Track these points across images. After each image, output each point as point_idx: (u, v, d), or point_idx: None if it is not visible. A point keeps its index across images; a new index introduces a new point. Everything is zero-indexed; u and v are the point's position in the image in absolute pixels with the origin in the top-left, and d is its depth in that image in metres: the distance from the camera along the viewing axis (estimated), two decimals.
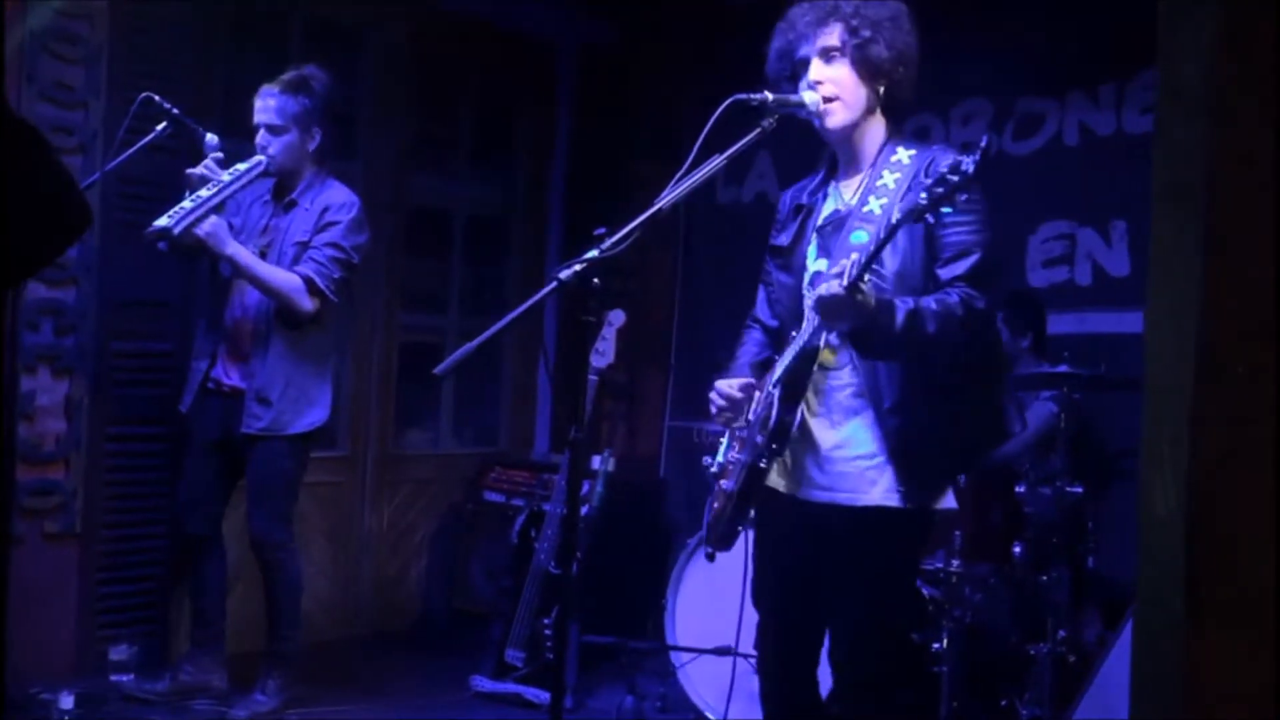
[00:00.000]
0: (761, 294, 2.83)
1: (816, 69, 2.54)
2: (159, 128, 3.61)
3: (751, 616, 3.91)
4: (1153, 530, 1.29)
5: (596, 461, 4.21)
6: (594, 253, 2.21)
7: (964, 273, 2.40)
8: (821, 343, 2.51)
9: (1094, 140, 4.41)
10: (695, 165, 2.34)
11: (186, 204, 3.53)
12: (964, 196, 2.15)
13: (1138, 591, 1.32)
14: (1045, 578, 3.71)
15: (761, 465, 2.53)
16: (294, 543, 3.87)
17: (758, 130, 2.45)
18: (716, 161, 2.37)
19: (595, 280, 2.20)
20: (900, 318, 2.30)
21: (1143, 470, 1.33)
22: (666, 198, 2.33)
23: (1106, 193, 4.34)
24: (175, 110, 3.62)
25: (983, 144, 2.13)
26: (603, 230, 2.25)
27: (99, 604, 4.09)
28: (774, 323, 2.77)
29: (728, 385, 2.65)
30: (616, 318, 4.04)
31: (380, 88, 4.99)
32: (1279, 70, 1.28)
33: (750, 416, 2.61)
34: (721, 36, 5.27)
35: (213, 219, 3.57)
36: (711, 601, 4.02)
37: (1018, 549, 3.69)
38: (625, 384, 5.55)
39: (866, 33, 2.51)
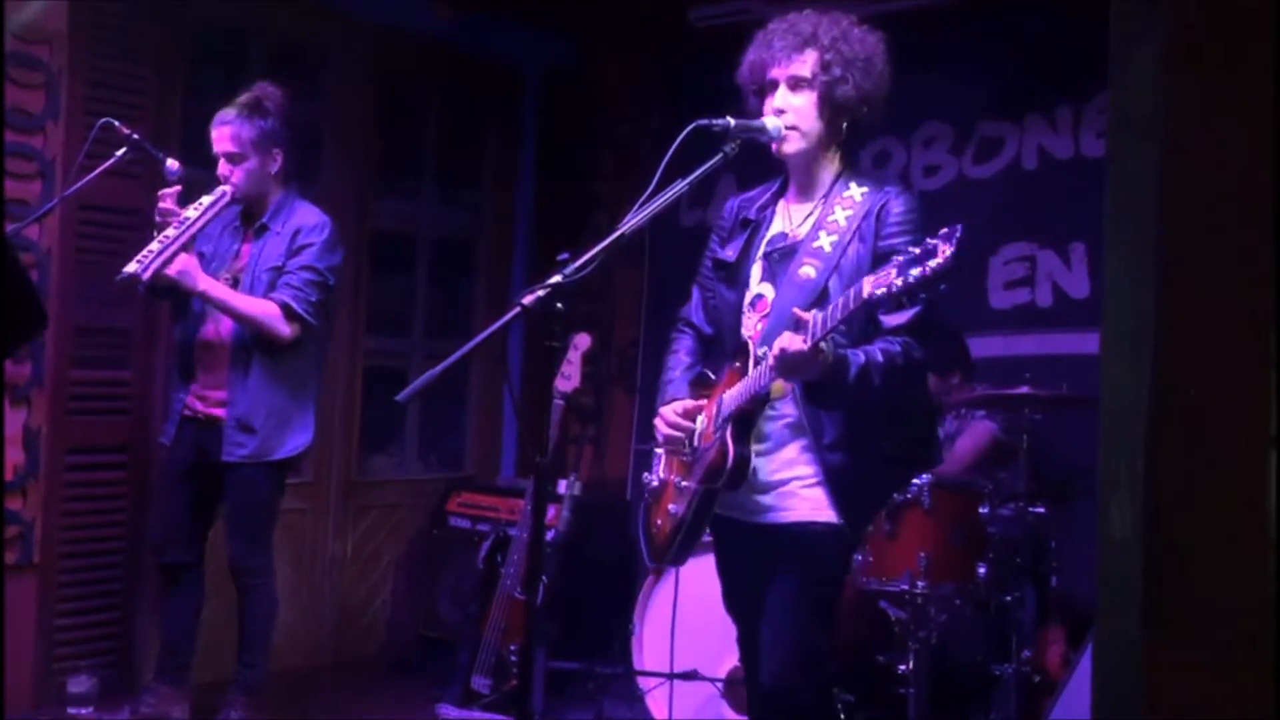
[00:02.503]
0: (697, 297, 2.87)
1: (782, 96, 2.58)
2: (119, 153, 3.58)
3: (717, 642, 3.93)
4: (1110, 551, 1.30)
5: (563, 485, 4.19)
6: (557, 278, 2.21)
7: (906, 323, 2.48)
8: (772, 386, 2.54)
9: (1052, 163, 4.47)
10: (659, 190, 2.35)
11: (154, 246, 3.49)
12: (942, 286, 2.17)
13: (1097, 612, 1.33)
14: (1009, 597, 3.74)
15: (715, 496, 2.59)
16: (272, 569, 3.84)
17: (720, 156, 2.46)
18: (679, 186, 2.38)
19: (559, 305, 2.20)
20: (853, 373, 2.41)
21: (1100, 492, 1.34)
22: (630, 222, 2.33)
23: (1065, 215, 4.39)
24: (135, 135, 3.59)
25: (958, 234, 2.14)
26: (566, 255, 2.25)
27: (58, 635, 4.03)
28: (709, 329, 2.82)
29: (673, 413, 2.69)
30: (581, 341, 4.05)
31: (343, 112, 4.97)
32: (1226, 96, 1.31)
33: (695, 443, 2.66)
34: (685, 59, 5.30)
35: (183, 257, 3.53)
36: (679, 625, 4.01)
37: (982, 569, 3.71)
38: (591, 407, 5.54)
39: (838, 71, 2.56)
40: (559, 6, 5.16)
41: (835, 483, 2.51)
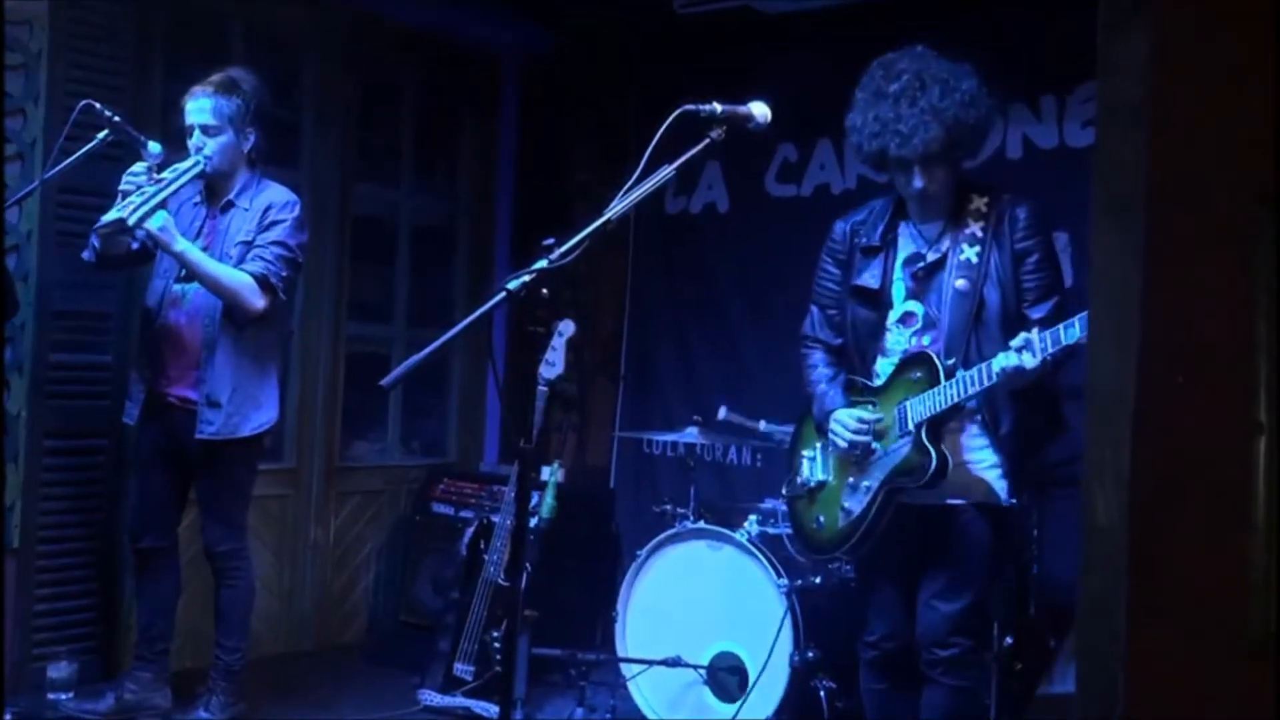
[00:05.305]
0: (818, 314, 3.14)
1: (920, 176, 2.86)
2: (100, 135, 3.54)
3: (697, 628, 3.93)
4: (1094, 540, 1.31)
5: (546, 472, 4.19)
6: (542, 263, 2.20)
7: (1048, 315, 2.85)
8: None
9: (1036, 153, 4.47)
10: (644, 176, 2.34)
11: (135, 199, 3.43)
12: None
13: (1080, 601, 1.34)
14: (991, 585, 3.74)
15: (901, 491, 2.89)
16: (249, 553, 3.83)
17: (706, 141, 2.46)
18: (665, 172, 2.37)
19: (544, 291, 2.20)
20: (1049, 368, 2.73)
21: (1084, 480, 1.34)
22: (615, 209, 2.32)
23: (1050, 205, 4.39)
24: (116, 117, 3.55)
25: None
26: (551, 241, 2.25)
27: (37, 620, 4.01)
28: (837, 340, 3.12)
29: (851, 419, 2.94)
30: (566, 328, 4.03)
31: (322, 97, 4.94)
32: (1216, 85, 1.31)
33: (874, 445, 2.94)
34: (666, 45, 5.28)
35: (162, 214, 3.49)
36: (661, 612, 4.01)
37: None
38: (575, 394, 5.53)
39: (964, 137, 2.85)
40: None
41: (1009, 466, 2.89)
